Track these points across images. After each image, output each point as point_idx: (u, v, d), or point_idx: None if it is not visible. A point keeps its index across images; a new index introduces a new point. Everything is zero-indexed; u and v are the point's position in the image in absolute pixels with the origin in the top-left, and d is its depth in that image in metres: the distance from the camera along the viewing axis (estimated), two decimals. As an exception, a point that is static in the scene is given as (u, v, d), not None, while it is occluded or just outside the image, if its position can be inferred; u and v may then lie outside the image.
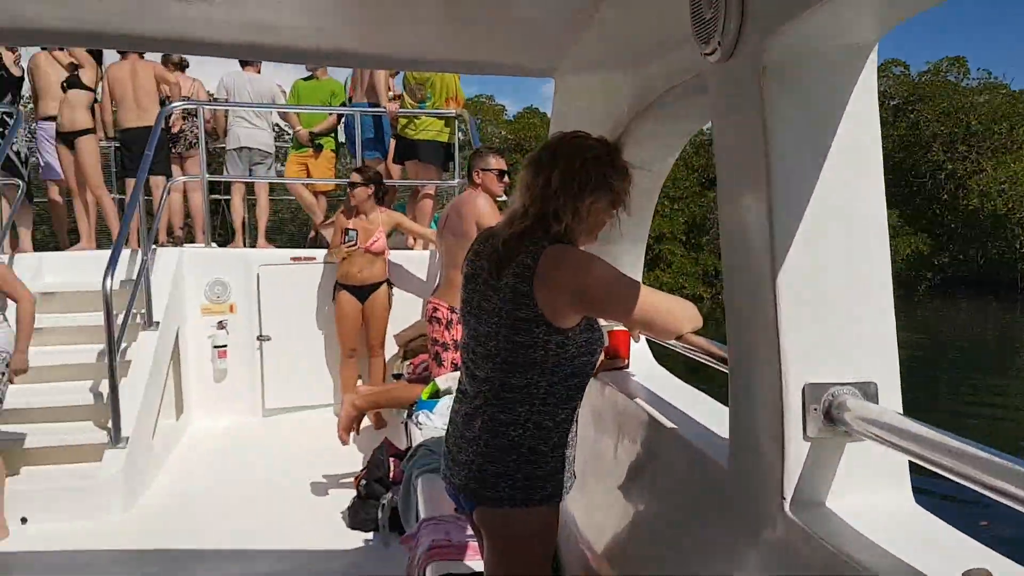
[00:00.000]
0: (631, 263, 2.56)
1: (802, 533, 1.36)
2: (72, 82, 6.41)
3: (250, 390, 6.24)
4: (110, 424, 4.82)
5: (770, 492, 1.45)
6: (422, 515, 3.19)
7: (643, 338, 2.53)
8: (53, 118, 6.58)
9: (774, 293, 1.42)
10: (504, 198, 4.88)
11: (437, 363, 4.59)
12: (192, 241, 7.25)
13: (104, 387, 5.01)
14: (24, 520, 4.39)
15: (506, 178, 4.79)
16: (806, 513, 1.40)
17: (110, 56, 6.73)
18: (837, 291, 1.43)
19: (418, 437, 4.07)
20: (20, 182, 6.26)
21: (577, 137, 1.99)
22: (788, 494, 1.42)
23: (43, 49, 6.54)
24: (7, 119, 6.14)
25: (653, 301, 1.98)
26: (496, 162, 4.76)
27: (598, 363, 2.05)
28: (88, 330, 5.46)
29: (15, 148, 6.16)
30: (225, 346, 6.20)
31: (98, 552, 4.12)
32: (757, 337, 1.50)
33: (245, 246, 7.20)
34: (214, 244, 6.98)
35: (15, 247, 6.29)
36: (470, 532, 2.86)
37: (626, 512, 2.26)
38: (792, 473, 1.42)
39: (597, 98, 2.56)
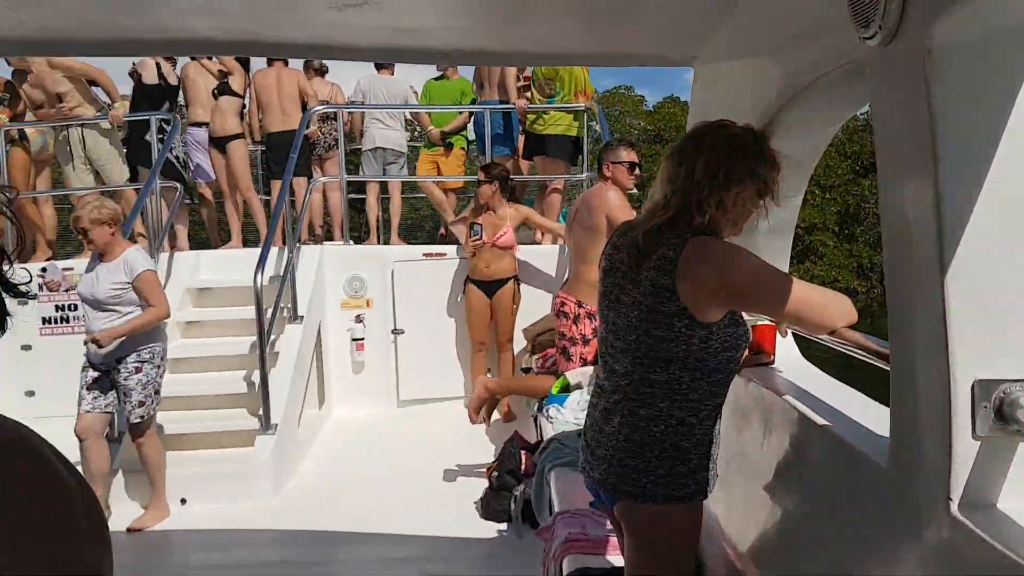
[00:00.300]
0: (778, 255, 2.47)
1: (970, 534, 1.30)
2: (223, 89, 6.82)
3: (386, 382, 6.46)
4: (261, 412, 5.11)
5: (935, 492, 1.39)
6: (556, 508, 3.20)
7: (789, 333, 2.44)
8: (201, 124, 7.01)
9: (942, 285, 1.35)
10: (635, 191, 4.82)
11: (565, 358, 4.60)
12: (331, 239, 7.57)
13: (255, 377, 5.31)
14: (184, 501, 4.72)
15: (637, 171, 4.73)
16: (975, 514, 1.33)
17: (256, 63, 7.10)
18: (1010, 283, 1.35)
19: (549, 431, 4.09)
20: (179, 185, 6.72)
21: (722, 126, 1.94)
22: (955, 495, 1.36)
23: (192, 59, 6.99)
24: (165, 126, 6.60)
25: (805, 294, 1.90)
26: (627, 154, 4.71)
27: (742, 359, 2.00)
28: (239, 323, 5.81)
29: (174, 153, 6.61)
30: (363, 339, 6.45)
31: (250, 532, 4.38)
32: (922, 331, 1.43)
33: (379, 243, 7.46)
34: (351, 242, 7.25)
35: (173, 246, 6.74)
36: (607, 526, 2.85)
37: (773, 511, 2.19)
38: (959, 473, 1.36)
39: (741, 86, 2.48)
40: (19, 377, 6.25)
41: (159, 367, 4.48)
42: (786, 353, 2.56)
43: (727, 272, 1.84)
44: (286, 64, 7.00)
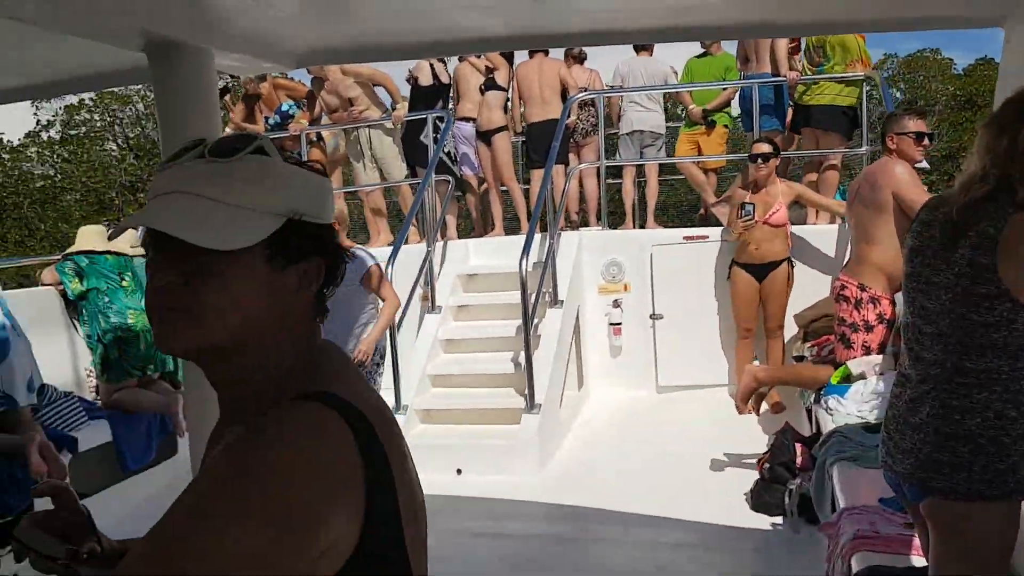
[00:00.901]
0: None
1: None
2: (489, 84, 7.16)
3: (644, 366, 6.45)
4: (526, 391, 5.33)
5: None
6: (840, 504, 3.03)
7: None
8: (468, 119, 7.41)
9: None
10: (924, 164, 4.39)
11: (845, 345, 4.31)
12: (586, 224, 7.70)
13: (520, 358, 5.56)
14: (459, 471, 5.06)
15: (926, 141, 4.31)
16: None
17: (519, 56, 7.36)
18: None
19: (828, 423, 3.87)
20: (451, 178, 7.18)
21: None
22: None
23: (461, 59, 7.40)
24: (439, 123, 7.08)
25: None
26: (914, 124, 4.29)
27: None
28: (504, 307, 6.10)
29: (446, 149, 7.08)
30: (620, 324, 6.50)
31: (517, 504, 4.60)
32: None
33: (635, 227, 7.46)
34: (607, 227, 7.32)
35: (444, 235, 7.21)
36: (899, 524, 2.66)
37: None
38: None
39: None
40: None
41: (377, 365, 4.70)
42: None
43: None
44: (546, 54, 7.20)
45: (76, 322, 5.22)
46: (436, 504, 0.98)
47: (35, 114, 27.56)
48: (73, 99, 26.16)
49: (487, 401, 5.64)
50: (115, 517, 4.10)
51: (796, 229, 5.92)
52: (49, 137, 27.56)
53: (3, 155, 26.39)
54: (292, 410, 0.90)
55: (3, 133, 26.28)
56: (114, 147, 27.83)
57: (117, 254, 5.09)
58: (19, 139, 27.08)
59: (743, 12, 2.61)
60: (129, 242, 5.13)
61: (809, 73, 6.33)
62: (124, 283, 5.05)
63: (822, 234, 6.12)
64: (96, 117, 27.63)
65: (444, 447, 5.18)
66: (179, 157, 0.97)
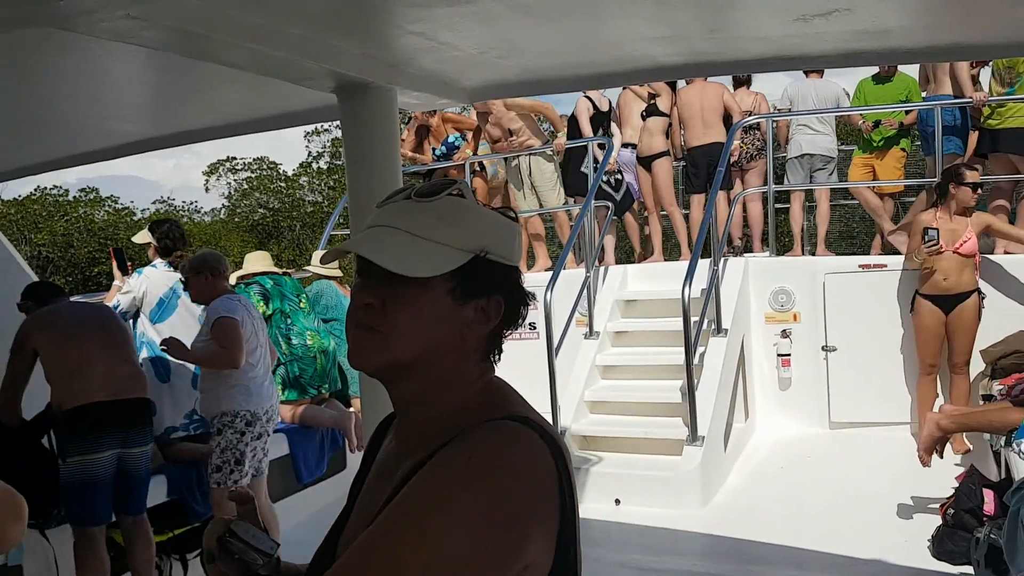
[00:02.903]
0: None
1: None
2: (651, 110, 7.13)
3: (815, 401, 6.14)
4: (688, 422, 5.19)
5: None
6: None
7: None
8: (628, 145, 7.38)
9: None
10: None
11: (1046, 386, 3.92)
12: (750, 250, 7.46)
13: (681, 388, 5.43)
14: (618, 501, 4.98)
15: None
16: None
17: (680, 81, 7.28)
18: None
19: (1021, 469, 3.54)
20: (610, 204, 7.18)
21: None
22: None
23: (624, 88, 7.40)
24: (599, 149, 7.10)
25: None
26: None
27: None
28: (664, 334, 5.99)
29: (605, 178, 7.08)
30: (789, 355, 6.22)
31: (678, 539, 4.48)
32: None
33: (803, 254, 7.15)
34: (774, 253, 7.06)
35: (601, 260, 7.20)
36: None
37: None
38: None
39: None
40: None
41: (242, 433, 4.13)
42: None
43: None
44: (704, 79, 7.07)
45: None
46: (593, 534, 0.98)
47: (307, 147, 31.51)
48: (339, 133, 29.41)
49: (647, 430, 5.53)
50: (288, 526, 4.37)
51: (988, 259, 5.54)
52: (318, 167, 30.92)
53: (280, 184, 29.83)
54: (500, 428, 0.95)
55: (281, 163, 29.95)
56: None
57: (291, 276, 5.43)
58: (293, 169, 30.94)
59: (932, 36, 2.45)
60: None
61: (997, 94, 5.88)
62: (302, 304, 5.36)
63: (1013, 264, 5.65)
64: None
65: (602, 475, 5.13)
66: (392, 198, 1.06)
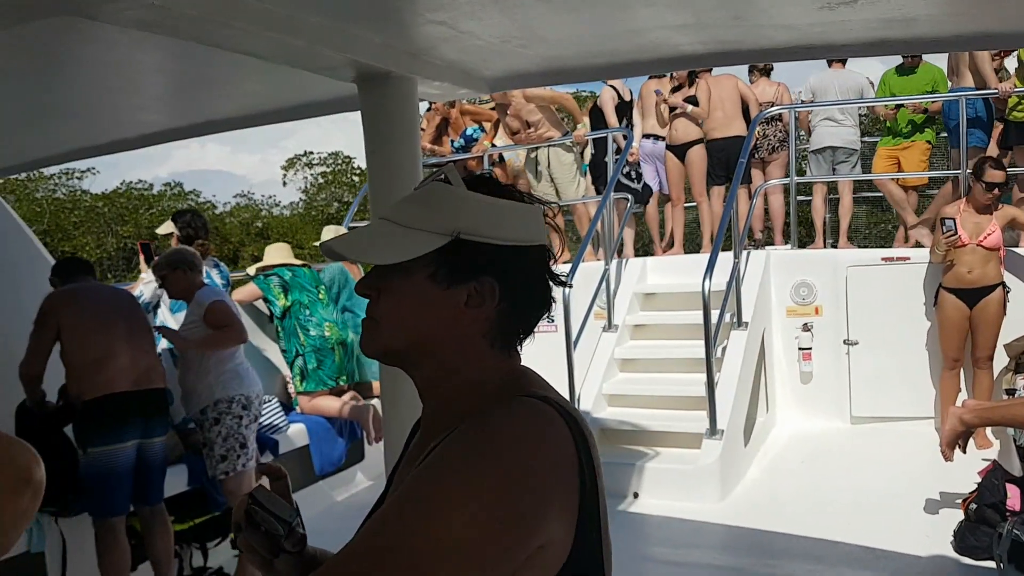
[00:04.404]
0: None
1: None
2: (690, 100, 7.02)
3: (836, 395, 6.09)
4: (707, 415, 5.16)
5: None
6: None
7: None
8: (651, 136, 7.32)
9: None
10: None
11: (1073, 380, 3.86)
12: (771, 243, 7.40)
13: (701, 381, 5.39)
14: (636, 494, 4.97)
15: None
16: None
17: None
18: None
19: (1045, 464, 3.50)
20: (630, 196, 7.14)
21: None
22: None
23: (649, 77, 7.34)
24: (623, 139, 7.06)
25: None
26: None
27: None
28: (684, 327, 5.95)
29: (625, 169, 7.03)
30: (810, 348, 6.17)
31: (697, 533, 4.45)
32: None
33: (825, 247, 7.08)
34: (795, 246, 6.99)
35: (620, 253, 7.16)
36: None
37: None
38: None
39: None
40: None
41: (240, 417, 4.13)
42: None
43: None
44: (710, 71, 7.00)
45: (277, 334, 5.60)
46: (611, 527, 0.97)
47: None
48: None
49: (666, 423, 5.50)
50: (307, 516, 4.38)
51: (1013, 252, 5.46)
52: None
53: (355, 177, 30.47)
54: (516, 405, 0.95)
55: (355, 158, 30.35)
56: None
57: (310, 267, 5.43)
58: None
59: (958, 25, 2.41)
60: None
61: (1022, 86, 5.80)
62: (320, 296, 5.37)
63: None
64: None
65: (620, 466, 5.11)
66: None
